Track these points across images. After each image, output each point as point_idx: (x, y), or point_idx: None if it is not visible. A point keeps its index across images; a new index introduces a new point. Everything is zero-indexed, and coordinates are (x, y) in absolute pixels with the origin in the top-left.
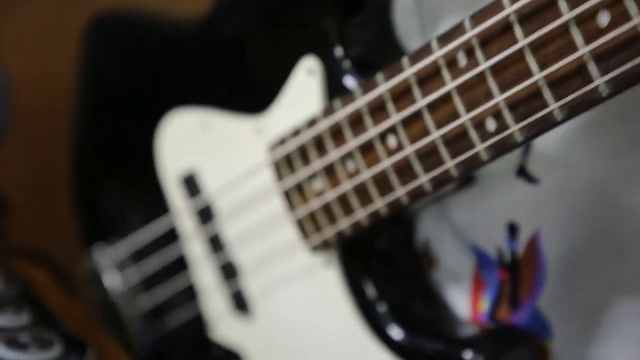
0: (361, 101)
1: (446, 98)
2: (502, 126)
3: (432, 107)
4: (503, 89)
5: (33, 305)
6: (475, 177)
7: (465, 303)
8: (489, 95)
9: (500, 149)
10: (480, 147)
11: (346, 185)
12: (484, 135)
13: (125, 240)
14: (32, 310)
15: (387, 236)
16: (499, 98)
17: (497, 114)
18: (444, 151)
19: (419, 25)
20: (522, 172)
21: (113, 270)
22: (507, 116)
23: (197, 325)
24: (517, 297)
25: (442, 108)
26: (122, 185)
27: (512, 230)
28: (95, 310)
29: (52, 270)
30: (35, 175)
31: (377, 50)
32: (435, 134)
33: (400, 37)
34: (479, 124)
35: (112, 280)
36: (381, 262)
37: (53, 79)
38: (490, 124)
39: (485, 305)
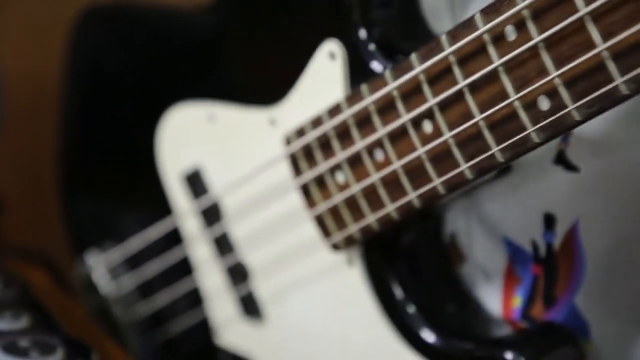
0: (393, 85)
1: (492, 77)
2: (557, 105)
3: (475, 87)
4: (559, 64)
5: (32, 308)
6: (510, 165)
7: (496, 300)
8: (542, 72)
9: (554, 131)
10: (531, 130)
11: (374, 177)
12: (536, 116)
13: (121, 245)
14: (31, 313)
15: (413, 232)
16: (554, 74)
17: (551, 92)
18: (488, 136)
19: (448, 3)
20: (561, 159)
21: (107, 276)
22: (564, 94)
23: (202, 331)
24: (552, 293)
25: (486, 88)
26: (117, 186)
27: (549, 221)
28: (91, 317)
29: (50, 270)
30: (28, 174)
31: (403, 32)
32: (479, 117)
33: (427, 17)
34: (530, 104)
35: (107, 287)
36: (407, 260)
37: (48, 75)
38: (544, 103)
39: (517, 302)
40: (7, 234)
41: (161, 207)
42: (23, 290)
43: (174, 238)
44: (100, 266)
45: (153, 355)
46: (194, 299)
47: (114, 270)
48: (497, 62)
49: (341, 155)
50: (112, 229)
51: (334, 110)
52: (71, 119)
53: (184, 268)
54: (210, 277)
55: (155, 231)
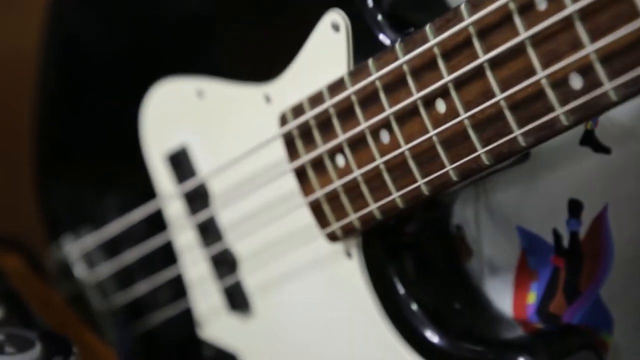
0: (403, 59)
1: (517, 51)
2: (591, 84)
3: (497, 63)
4: (595, 36)
5: (7, 297)
6: (529, 150)
7: (507, 297)
8: (575, 46)
9: (586, 113)
10: (559, 111)
11: (379, 162)
12: (566, 96)
13: (100, 231)
14: (6, 303)
15: (416, 222)
16: (589, 48)
17: (585, 68)
18: (510, 117)
19: None
20: (589, 140)
21: (83, 262)
22: (599, 71)
23: (185, 323)
24: (575, 286)
25: (510, 64)
26: (97, 168)
27: (574, 208)
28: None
29: (26, 256)
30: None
31: (414, 2)
32: (500, 96)
33: None
34: (559, 81)
35: (83, 274)
36: (410, 253)
37: (25, 56)
38: (575, 81)
39: (532, 298)
40: None
41: (144, 190)
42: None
43: (157, 224)
44: (76, 252)
45: (131, 346)
46: (177, 288)
47: (90, 257)
48: (523, 35)
49: (342, 136)
50: (91, 214)
51: (336, 87)
52: (48, 97)
53: (167, 256)
54: (194, 265)
55: (135, 215)
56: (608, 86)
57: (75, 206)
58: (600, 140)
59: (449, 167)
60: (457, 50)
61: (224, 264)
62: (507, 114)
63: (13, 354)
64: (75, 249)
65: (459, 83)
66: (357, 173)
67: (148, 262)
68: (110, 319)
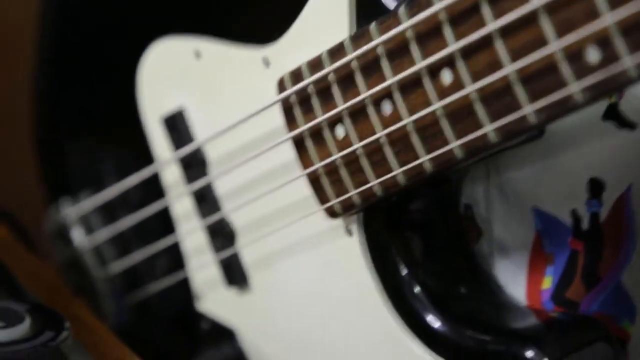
0: (407, 24)
1: (529, 20)
2: (609, 57)
3: (507, 31)
4: (615, 4)
5: None
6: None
7: (519, 282)
8: (593, 14)
9: (603, 89)
10: (573, 86)
11: (380, 134)
12: (581, 70)
13: (96, 195)
14: None
15: (422, 200)
16: (609, 19)
17: (603, 40)
18: (519, 92)
19: None
20: (613, 114)
21: (80, 228)
22: (619, 43)
23: (181, 294)
24: (595, 271)
25: (521, 33)
26: (95, 132)
27: (596, 188)
28: (60, 273)
29: (11, 225)
30: None
31: None
32: (510, 68)
33: None
34: (574, 54)
35: (80, 239)
36: (414, 232)
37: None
38: (592, 54)
39: (547, 283)
40: None
41: (142, 155)
42: None
43: (155, 190)
44: (74, 216)
45: (127, 316)
46: (175, 258)
47: (87, 221)
48: (536, 2)
49: (342, 105)
50: (90, 179)
51: (337, 52)
52: (46, 60)
53: (165, 224)
54: (191, 235)
55: (131, 180)
56: (628, 61)
57: (74, 170)
58: (625, 114)
59: (454, 143)
60: (465, 16)
61: (221, 235)
62: (517, 88)
63: (1, 329)
64: (73, 212)
65: (467, 52)
66: (357, 145)
67: (146, 230)
68: (107, 287)
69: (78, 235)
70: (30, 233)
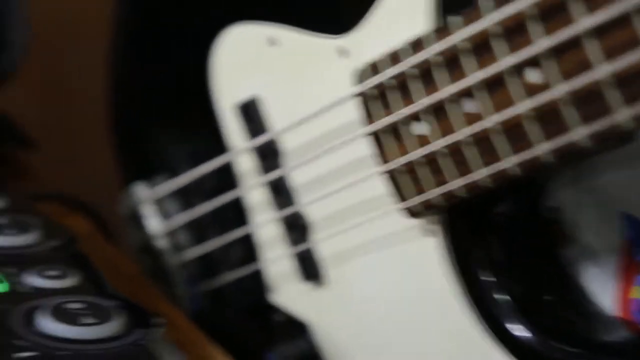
0: (492, 19)
1: (623, 20)
2: None
3: (601, 29)
4: None
5: (79, 263)
6: None
7: (609, 291)
8: None
9: None
10: None
11: (463, 133)
12: None
13: (171, 181)
14: (79, 269)
15: (508, 202)
16: None
17: None
18: (613, 95)
19: None
20: None
21: (154, 213)
22: None
23: (254, 284)
24: None
25: (617, 32)
26: (167, 118)
27: None
28: (134, 257)
29: (93, 218)
30: (58, 109)
31: None
32: (604, 69)
33: None
34: None
35: (154, 225)
36: (498, 235)
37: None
38: None
39: (637, 293)
40: (38, 175)
41: (216, 142)
42: (68, 243)
43: (229, 178)
44: (148, 200)
45: (200, 302)
46: (248, 248)
47: (162, 207)
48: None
49: (422, 101)
50: (163, 164)
51: (418, 44)
52: (121, 45)
53: (239, 213)
54: (264, 227)
55: (205, 168)
56: None
57: (149, 154)
58: None
59: (543, 146)
60: (556, 10)
61: (296, 228)
62: (611, 91)
63: (93, 325)
64: (148, 197)
65: (557, 50)
66: (440, 144)
67: (219, 218)
68: (181, 272)
69: (152, 220)
70: (108, 223)
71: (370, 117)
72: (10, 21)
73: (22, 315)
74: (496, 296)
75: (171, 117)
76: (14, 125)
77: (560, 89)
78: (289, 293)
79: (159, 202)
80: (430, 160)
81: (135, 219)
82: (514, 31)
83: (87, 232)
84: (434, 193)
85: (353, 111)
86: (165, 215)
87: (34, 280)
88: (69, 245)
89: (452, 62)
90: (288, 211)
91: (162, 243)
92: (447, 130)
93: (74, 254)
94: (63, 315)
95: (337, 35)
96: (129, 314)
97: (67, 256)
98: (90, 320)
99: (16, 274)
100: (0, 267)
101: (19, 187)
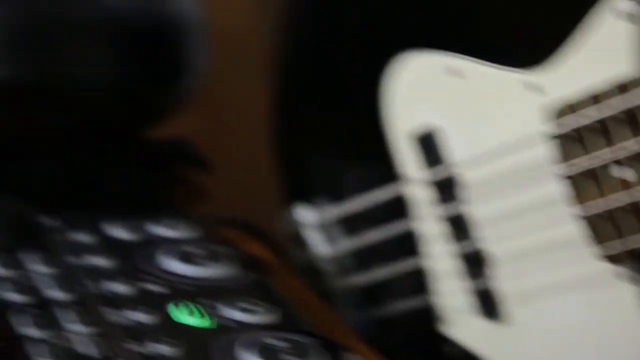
0: None
1: None
2: None
3: None
4: None
5: (274, 298)
6: None
7: None
8: None
9: None
10: None
11: None
12: None
13: (338, 204)
14: (278, 305)
15: None
16: None
17: None
18: None
19: None
20: None
21: (320, 235)
22: None
23: (426, 316)
24: None
25: None
26: (337, 141)
27: None
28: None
29: (271, 246)
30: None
31: None
32: None
33: None
34: None
35: (319, 245)
36: None
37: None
38: None
39: None
40: (215, 198)
41: (386, 168)
42: (262, 275)
43: (400, 207)
44: (313, 222)
45: (366, 327)
46: (418, 279)
47: (328, 230)
48: None
49: (627, 147)
50: (327, 187)
51: (624, 87)
52: (287, 67)
53: (410, 243)
54: (440, 260)
55: (378, 196)
56: None
57: (313, 177)
58: None
59: None
60: None
61: (475, 264)
62: None
63: None
64: (313, 218)
65: None
66: None
67: (387, 247)
68: (346, 297)
69: (317, 242)
70: (286, 252)
71: (565, 158)
72: (193, 46)
73: (224, 350)
74: None
75: (339, 142)
76: (194, 149)
77: None
78: (464, 327)
79: (325, 225)
80: (634, 208)
81: (299, 240)
82: None
83: (272, 264)
84: (636, 241)
85: (542, 148)
86: (330, 238)
87: (233, 314)
88: (264, 278)
89: None
90: (467, 246)
91: (326, 265)
92: None
93: (267, 287)
94: (268, 353)
95: (524, 69)
96: (326, 351)
97: (262, 289)
98: (292, 358)
99: (212, 306)
100: (197, 298)
101: (195, 211)
